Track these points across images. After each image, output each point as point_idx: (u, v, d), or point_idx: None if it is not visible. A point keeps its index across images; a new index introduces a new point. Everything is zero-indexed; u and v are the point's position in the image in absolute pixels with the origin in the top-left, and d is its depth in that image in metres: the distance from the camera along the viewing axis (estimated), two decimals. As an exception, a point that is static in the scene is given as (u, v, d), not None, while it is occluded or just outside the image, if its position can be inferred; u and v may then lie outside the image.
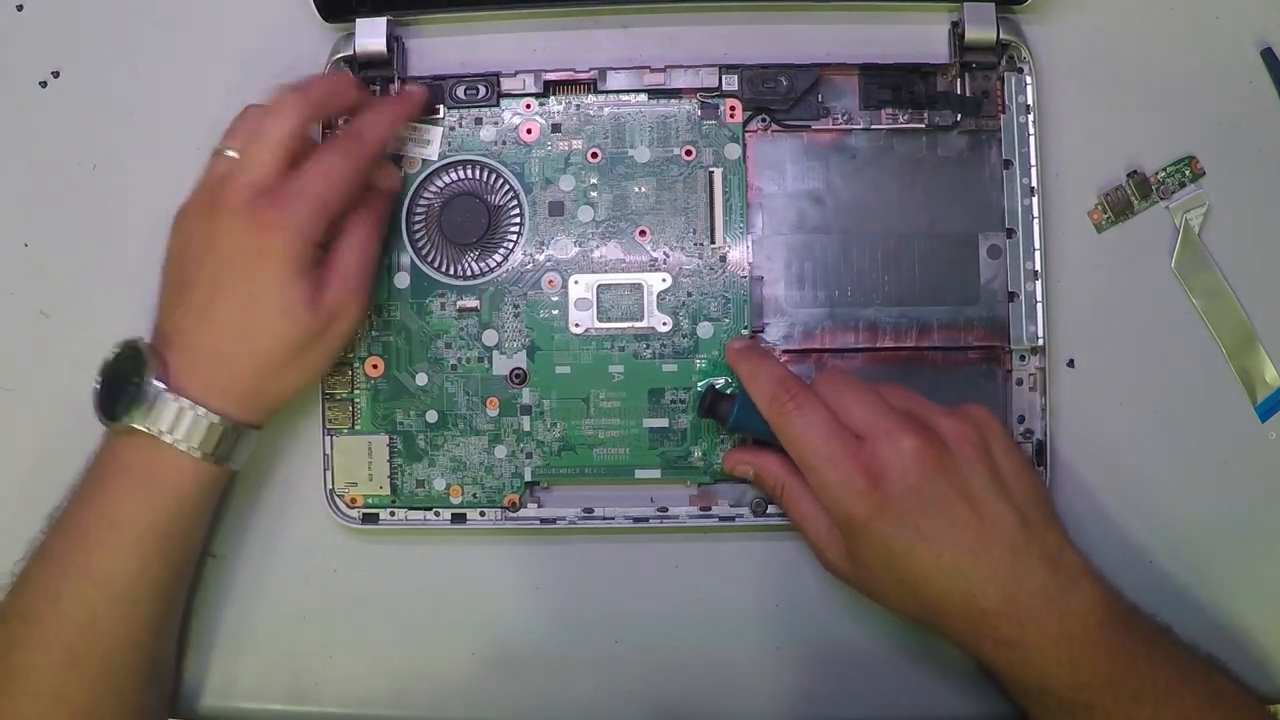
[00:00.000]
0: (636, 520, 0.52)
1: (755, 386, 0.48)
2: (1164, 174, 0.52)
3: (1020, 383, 0.51)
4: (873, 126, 0.52)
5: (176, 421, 0.46)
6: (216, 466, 0.47)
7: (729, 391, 0.50)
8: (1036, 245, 0.51)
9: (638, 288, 0.52)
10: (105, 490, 0.47)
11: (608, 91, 0.52)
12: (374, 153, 0.49)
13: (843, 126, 0.52)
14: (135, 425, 0.46)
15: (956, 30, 0.51)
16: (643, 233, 0.52)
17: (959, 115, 0.51)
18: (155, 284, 0.53)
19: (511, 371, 0.52)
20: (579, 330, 0.52)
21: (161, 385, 0.46)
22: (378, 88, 0.52)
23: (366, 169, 0.48)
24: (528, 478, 0.52)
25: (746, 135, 0.52)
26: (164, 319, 0.48)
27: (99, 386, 0.47)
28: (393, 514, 0.52)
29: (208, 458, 0.46)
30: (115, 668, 0.47)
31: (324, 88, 0.49)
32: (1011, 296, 0.51)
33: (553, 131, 0.52)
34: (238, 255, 0.46)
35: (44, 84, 0.54)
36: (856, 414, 0.47)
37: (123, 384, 0.46)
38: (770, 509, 0.51)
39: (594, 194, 0.52)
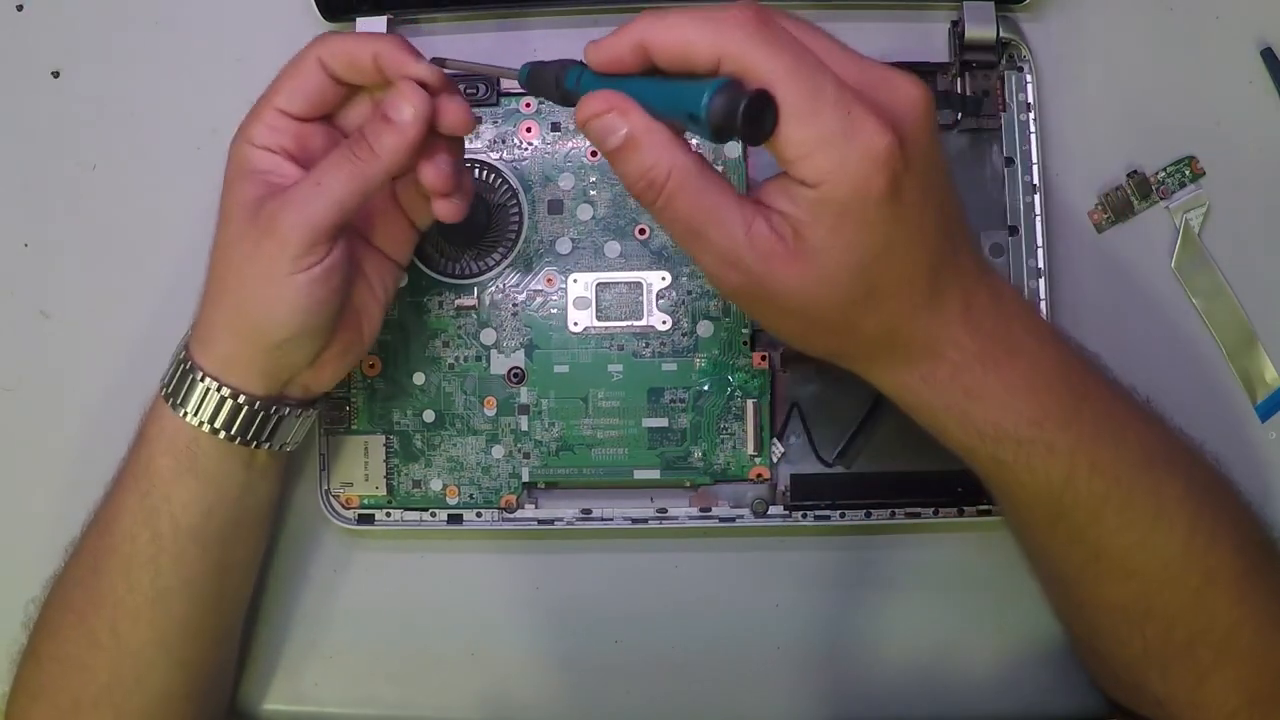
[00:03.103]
0: (636, 521, 0.52)
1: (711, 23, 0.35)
2: (1164, 174, 0.52)
3: (1021, 382, 0.51)
4: (872, 126, 0.52)
5: (202, 401, 0.44)
6: (249, 450, 0.45)
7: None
8: (1039, 243, 0.51)
9: (637, 286, 0.52)
10: (148, 469, 0.45)
11: (607, 91, 0.52)
12: (390, 172, 0.41)
13: (842, 126, 0.52)
14: (169, 404, 0.44)
15: (956, 29, 0.51)
16: (642, 231, 0.52)
17: (959, 114, 0.51)
18: (154, 282, 0.54)
19: (509, 370, 0.52)
20: (578, 329, 0.52)
21: (187, 363, 0.44)
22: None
23: (380, 186, 0.42)
24: (525, 478, 0.52)
25: (746, 134, 0.52)
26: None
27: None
28: (389, 515, 0.52)
29: (235, 439, 0.44)
30: (144, 666, 0.46)
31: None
32: (1012, 295, 0.51)
33: (552, 130, 0.52)
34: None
35: (44, 84, 0.54)
36: (835, 58, 0.36)
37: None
38: (772, 509, 0.51)
39: (593, 192, 0.52)
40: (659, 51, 0.36)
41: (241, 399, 0.44)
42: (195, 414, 0.44)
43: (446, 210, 0.44)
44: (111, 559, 0.46)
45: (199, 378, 0.44)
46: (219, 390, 0.43)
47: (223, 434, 0.44)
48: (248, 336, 0.43)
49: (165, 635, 0.46)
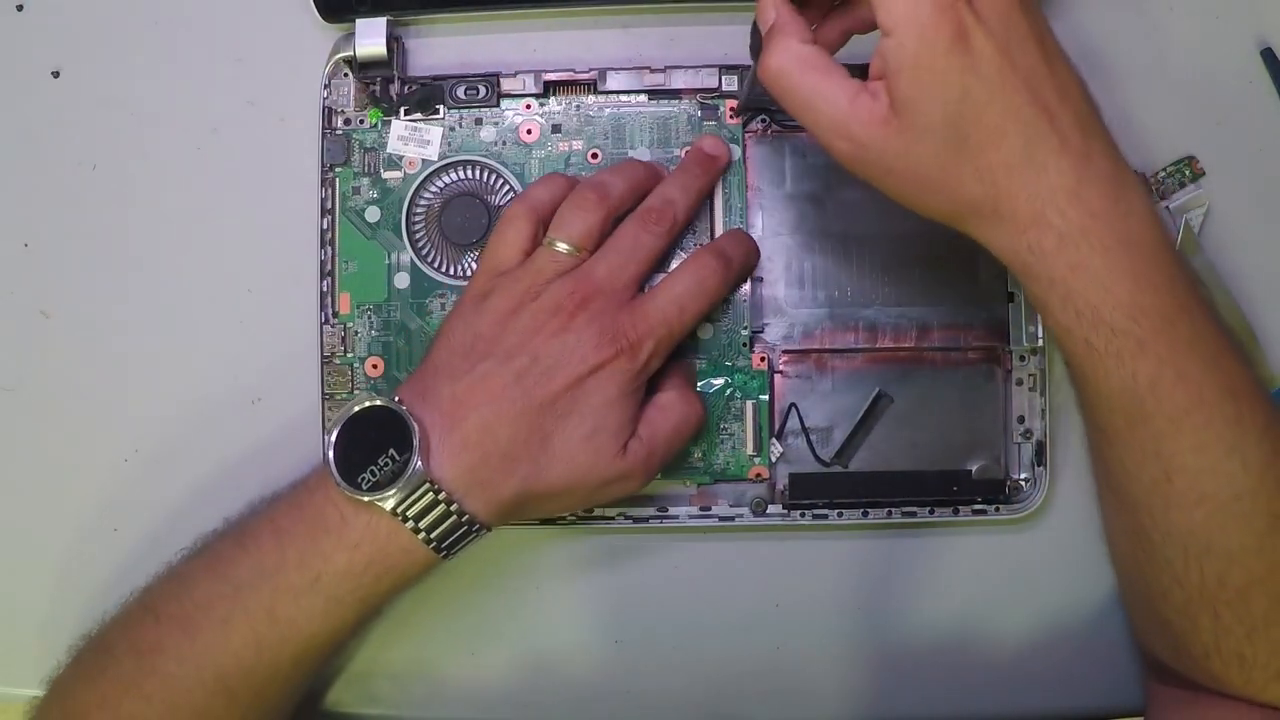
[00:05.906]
0: (636, 520, 0.52)
1: None
2: (1164, 174, 0.52)
3: (1020, 383, 0.51)
4: (872, 126, 0.52)
5: (429, 513, 0.43)
6: (443, 558, 0.45)
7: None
8: (1036, 245, 0.51)
9: (637, 288, 0.52)
10: (321, 551, 0.43)
11: (608, 92, 0.52)
12: (734, 283, 0.49)
13: (842, 127, 0.52)
14: (382, 505, 0.43)
15: (956, 30, 0.51)
16: (642, 233, 0.52)
17: (959, 115, 0.51)
18: (154, 281, 0.54)
19: (511, 371, 0.52)
20: (578, 330, 0.52)
21: (424, 470, 0.43)
22: (376, 87, 0.52)
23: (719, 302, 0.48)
24: (527, 478, 0.52)
25: (746, 136, 0.52)
26: (447, 391, 0.44)
27: (338, 445, 0.43)
28: (392, 514, 0.52)
29: (443, 552, 0.44)
30: (266, 702, 0.45)
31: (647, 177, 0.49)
32: (1011, 297, 0.51)
33: (553, 132, 0.52)
34: (574, 364, 0.44)
35: (44, 84, 0.54)
36: None
37: (372, 450, 0.43)
38: (770, 509, 0.51)
39: (593, 194, 0.52)
40: None
41: (465, 518, 0.43)
42: (426, 532, 0.43)
43: None
44: (267, 634, 0.44)
45: (448, 506, 0.43)
46: (461, 517, 0.43)
47: (434, 544, 0.44)
48: (550, 505, 0.46)
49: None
